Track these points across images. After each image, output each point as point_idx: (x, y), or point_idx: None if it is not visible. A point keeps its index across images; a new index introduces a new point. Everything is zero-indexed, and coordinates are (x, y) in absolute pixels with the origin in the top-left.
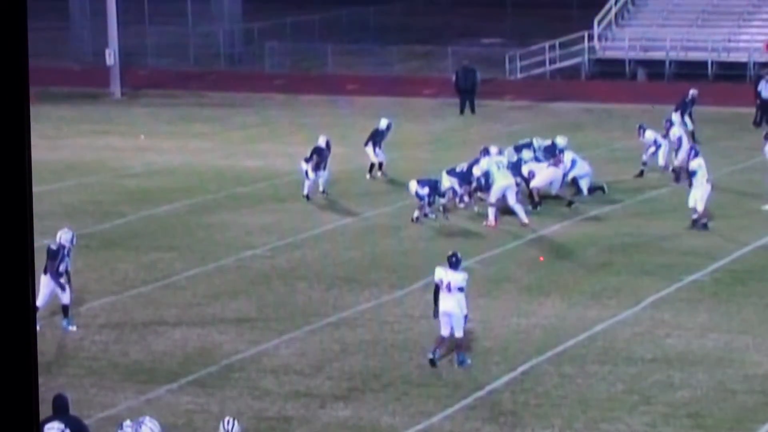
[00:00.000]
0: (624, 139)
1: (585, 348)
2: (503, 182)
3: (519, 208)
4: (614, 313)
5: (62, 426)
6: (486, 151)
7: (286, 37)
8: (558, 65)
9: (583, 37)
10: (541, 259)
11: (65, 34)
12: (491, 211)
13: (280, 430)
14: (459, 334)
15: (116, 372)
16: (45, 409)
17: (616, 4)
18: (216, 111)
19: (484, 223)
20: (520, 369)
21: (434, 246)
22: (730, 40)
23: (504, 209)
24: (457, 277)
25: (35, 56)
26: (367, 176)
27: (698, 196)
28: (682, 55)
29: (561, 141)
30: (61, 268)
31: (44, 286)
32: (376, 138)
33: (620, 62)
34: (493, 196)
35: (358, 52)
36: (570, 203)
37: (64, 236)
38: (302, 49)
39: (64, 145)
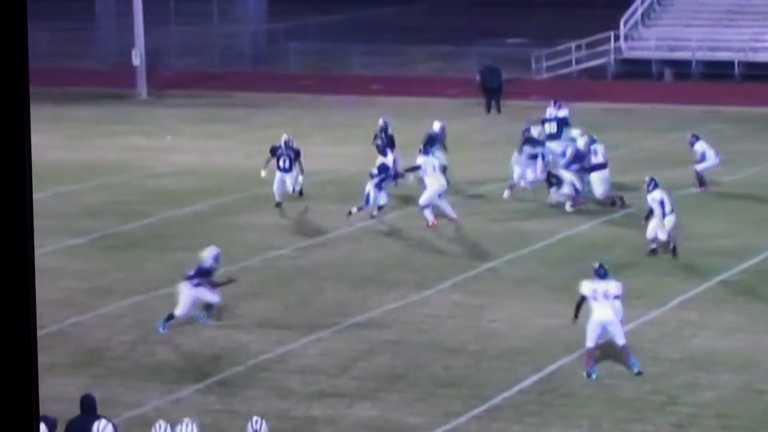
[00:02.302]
0: (648, 139)
1: (612, 348)
2: (436, 185)
3: (446, 205)
4: (641, 314)
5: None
6: (426, 150)
7: (309, 37)
8: (584, 65)
9: (609, 37)
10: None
11: (91, 34)
12: (427, 212)
13: (306, 430)
14: (622, 341)
15: (142, 372)
16: (73, 408)
17: (642, 3)
18: (240, 111)
19: (425, 224)
20: (547, 369)
21: (460, 247)
22: (756, 40)
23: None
24: (611, 286)
25: (61, 56)
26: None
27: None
28: (708, 55)
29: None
30: (205, 282)
31: (185, 295)
32: (432, 143)
33: (646, 62)
34: (425, 199)
35: (381, 53)
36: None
37: (210, 254)
38: (326, 49)
39: (89, 145)
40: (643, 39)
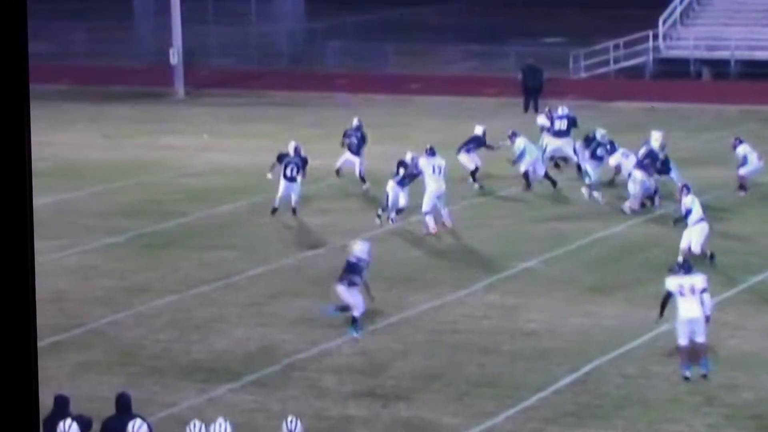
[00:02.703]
0: (687, 139)
1: (648, 349)
2: (434, 187)
3: (443, 209)
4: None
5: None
6: (431, 151)
7: (347, 36)
8: (622, 64)
9: (647, 36)
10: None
11: (129, 33)
12: (429, 219)
13: (341, 430)
14: (702, 339)
15: (178, 371)
16: (109, 407)
17: (681, 2)
18: (277, 110)
19: (424, 232)
20: (583, 370)
21: (495, 247)
22: None
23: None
24: (697, 280)
25: (99, 55)
26: (475, 185)
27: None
28: (747, 55)
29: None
30: (357, 280)
31: (344, 295)
32: (472, 144)
33: (684, 61)
34: (427, 204)
35: (418, 52)
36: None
37: (361, 248)
38: (363, 48)
39: (126, 144)
40: (682, 38)
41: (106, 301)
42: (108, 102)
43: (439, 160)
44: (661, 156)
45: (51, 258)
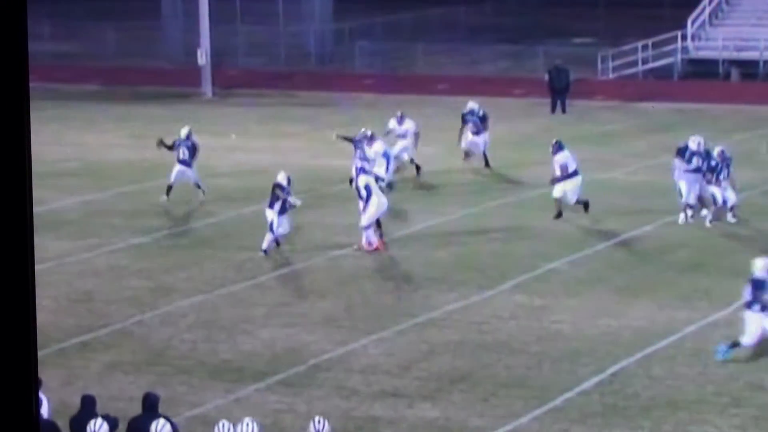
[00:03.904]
0: (715, 140)
1: (675, 349)
2: (380, 200)
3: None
4: (705, 315)
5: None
6: (363, 170)
7: (376, 36)
8: (650, 65)
9: (676, 36)
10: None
11: (157, 33)
12: (371, 234)
13: (368, 430)
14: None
15: (205, 371)
16: (135, 407)
17: (710, 3)
18: (306, 111)
19: (367, 248)
20: (609, 370)
21: (522, 247)
22: None
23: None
24: None
25: (128, 56)
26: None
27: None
28: None
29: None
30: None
31: (755, 324)
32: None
33: (713, 62)
34: (368, 218)
35: (447, 52)
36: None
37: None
38: (392, 48)
39: (154, 144)
40: (711, 39)
41: (134, 301)
42: (137, 102)
43: (372, 178)
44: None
45: (79, 258)
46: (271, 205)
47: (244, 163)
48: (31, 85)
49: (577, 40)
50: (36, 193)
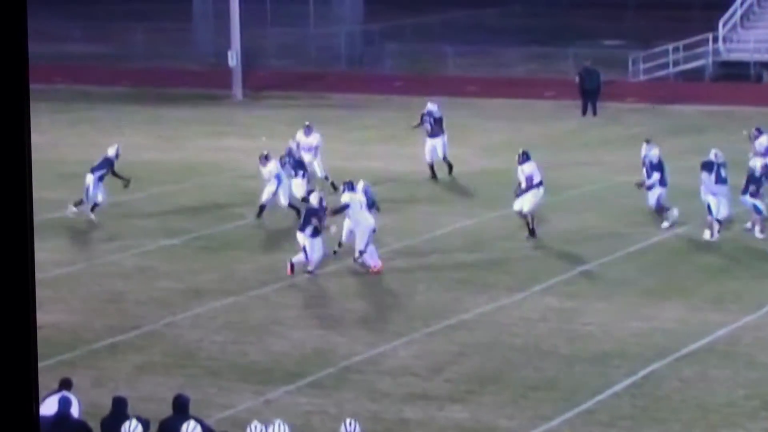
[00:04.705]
0: (747, 142)
1: (706, 352)
2: (368, 223)
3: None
4: (736, 318)
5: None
6: (350, 186)
7: (406, 38)
8: (681, 67)
9: (707, 38)
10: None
11: (188, 35)
12: (367, 258)
13: None
14: None
15: (235, 372)
16: (166, 408)
17: (741, 5)
18: (336, 112)
19: (370, 270)
20: (640, 373)
21: (553, 249)
22: None
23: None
24: None
25: (158, 57)
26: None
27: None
28: None
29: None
30: None
31: None
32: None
33: (744, 64)
34: (361, 242)
35: (477, 54)
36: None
37: None
38: (422, 50)
39: (184, 146)
40: (742, 41)
41: (164, 303)
42: (166, 104)
43: (360, 196)
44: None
45: (109, 260)
46: (302, 228)
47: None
48: (60, 86)
49: (607, 42)
50: (67, 195)
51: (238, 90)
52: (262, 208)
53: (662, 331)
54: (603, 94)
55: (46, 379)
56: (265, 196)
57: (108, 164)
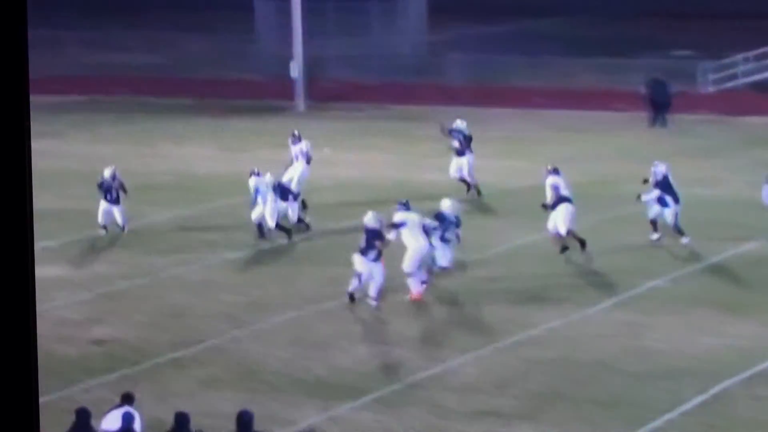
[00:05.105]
0: None
1: None
2: (416, 245)
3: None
4: None
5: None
6: (405, 205)
7: (470, 48)
8: (751, 78)
9: None
10: None
11: (250, 46)
12: (411, 282)
13: None
14: None
15: (299, 388)
16: (229, 424)
17: None
18: (399, 124)
19: (411, 297)
20: (711, 391)
21: (623, 264)
22: None
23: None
24: None
25: (220, 68)
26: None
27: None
28: None
29: None
30: None
31: None
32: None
33: None
34: (409, 263)
35: (543, 65)
36: None
37: None
38: (487, 61)
39: (245, 158)
40: None
41: (228, 317)
42: (228, 115)
43: (414, 215)
44: None
45: (172, 273)
46: (364, 252)
47: (338, 177)
48: (121, 97)
49: (676, 53)
50: (129, 208)
51: (300, 101)
52: (259, 227)
53: (735, 348)
54: (672, 105)
55: (109, 393)
56: (255, 215)
57: (110, 186)
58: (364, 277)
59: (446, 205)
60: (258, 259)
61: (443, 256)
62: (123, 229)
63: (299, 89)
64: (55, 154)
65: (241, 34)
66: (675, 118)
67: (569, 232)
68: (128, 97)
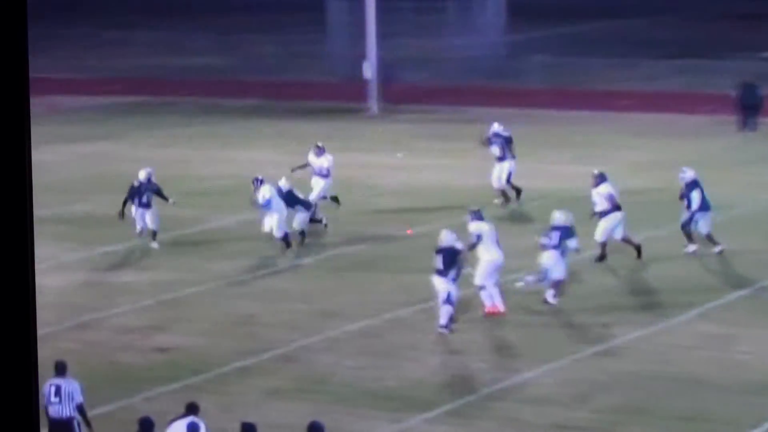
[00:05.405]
0: None
1: None
2: (488, 257)
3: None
4: None
5: None
6: (478, 215)
7: (551, 49)
8: None
9: None
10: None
11: (321, 46)
12: (485, 295)
13: None
14: None
15: (369, 399)
16: None
17: None
18: (476, 128)
19: (484, 311)
20: None
21: (708, 272)
22: None
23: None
24: None
25: (290, 69)
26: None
27: None
28: None
29: None
30: None
31: None
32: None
33: None
34: (481, 276)
35: (627, 66)
36: None
37: None
38: (568, 62)
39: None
40: None
41: (296, 326)
42: (297, 118)
43: (487, 226)
44: None
45: (239, 280)
46: (443, 273)
47: (411, 182)
48: (187, 99)
49: (765, 54)
50: (193, 212)
51: (373, 103)
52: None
53: None
54: (763, 109)
55: (173, 403)
56: (268, 227)
57: (145, 190)
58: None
59: (556, 217)
60: (327, 265)
61: (557, 269)
62: (154, 236)
63: (372, 91)
64: (117, 157)
65: (312, 35)
66: (765, 122)
67: (625, 239)
68: (195, 99)
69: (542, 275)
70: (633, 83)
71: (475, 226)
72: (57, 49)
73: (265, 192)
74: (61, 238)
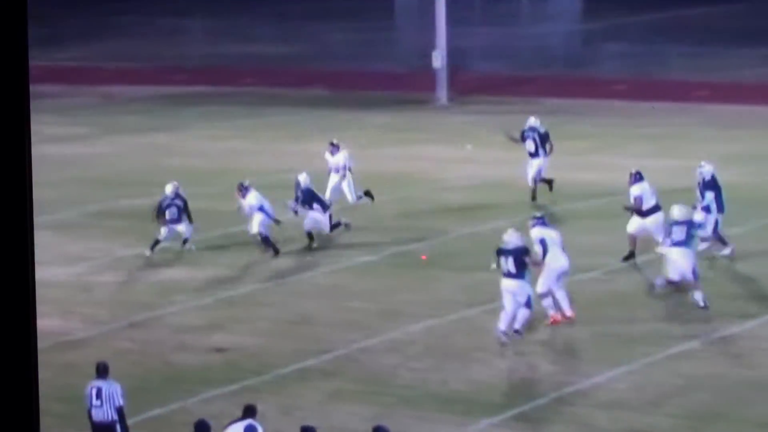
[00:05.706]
0: None
1: None
2: (553, 264)
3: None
4: None
5: None
6: (542, 220)
7: (627, 38)
8: None
9: None
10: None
11: (389, 35)
12: (547, 303)
13: None
14: None
15: (433, 402)
16: None
17: None
18: (550, 119)
19: (547, 322)
20: None
21: None
22: None
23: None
24: None
25: (357, 59)
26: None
27: None
28: None
29: None
30: None
31: None
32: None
33: None
34: (544, 283)
35: (705, 56)
36: None
37: None
38: (645, 51)
39: (381, 154)
40: None
41: (358, 325)
42: (364, 109)
43: (550, 231)
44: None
45: (299, 277)
46: (515, 275)
47: (481, 176)
48: (251, 89)
49: None
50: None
51: (442, 94)
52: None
53: None
54: None
55: (230, 405)
56: (255, 228)
57: (171, 204)
58: (513, 306)
59: (676, 213)
60: (391, 263)
61: (674, 269)
62: (185, 242)
63: (442, 81)
64: (176, 149)
65: (380, 23)
66: None
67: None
68: (259, 88)
69: (678, 276)
70: (713, 73)
71: (538, 232)
72: (108, 38)
73: (251, 199)
74: (117, 233)
